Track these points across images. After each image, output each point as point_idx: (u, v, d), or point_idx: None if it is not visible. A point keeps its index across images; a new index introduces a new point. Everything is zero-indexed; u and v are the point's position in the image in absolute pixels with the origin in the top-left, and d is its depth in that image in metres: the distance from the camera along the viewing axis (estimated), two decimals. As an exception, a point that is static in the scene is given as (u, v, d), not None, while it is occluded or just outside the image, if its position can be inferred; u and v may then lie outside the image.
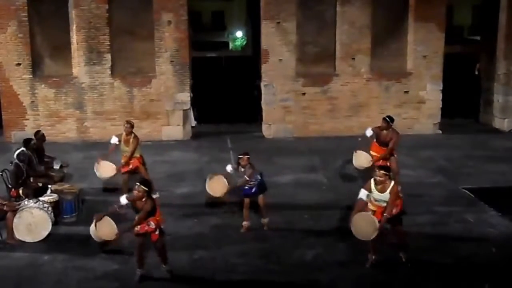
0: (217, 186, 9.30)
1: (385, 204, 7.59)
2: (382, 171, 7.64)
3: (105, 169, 10.48)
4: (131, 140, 10.42)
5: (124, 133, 10.53)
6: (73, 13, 15.03)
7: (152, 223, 7.33)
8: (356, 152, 10.76)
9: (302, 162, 13.14)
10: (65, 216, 9.54)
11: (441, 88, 16.05)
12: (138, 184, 7.31)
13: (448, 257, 8.13)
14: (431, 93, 16.06)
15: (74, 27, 15.10)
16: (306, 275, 7.73)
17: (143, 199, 7.26)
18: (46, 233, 8.78)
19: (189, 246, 8.50)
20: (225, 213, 9.92)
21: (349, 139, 15.17)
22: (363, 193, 7.67)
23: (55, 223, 9.04)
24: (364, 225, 7.53)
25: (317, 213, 9.89)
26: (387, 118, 10.66)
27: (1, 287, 7.49)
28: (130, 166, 10.40)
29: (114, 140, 10.56)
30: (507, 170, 12.42)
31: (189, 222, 9.48)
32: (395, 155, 10.63)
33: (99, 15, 15.02)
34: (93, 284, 7.51)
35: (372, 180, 7.71)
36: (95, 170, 10.56)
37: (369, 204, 7.74)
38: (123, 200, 7.39)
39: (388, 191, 7.57)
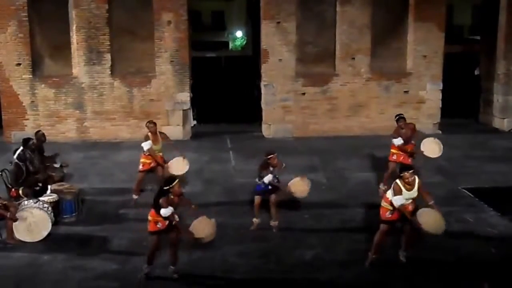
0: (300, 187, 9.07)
1: (410, 201, 7.63)
2: (409, 172, 7.59)
3: (177, 167, 10.17)
4: (159, 138, 10.35)
5: (150, 134, 10.31)
6: (73, 13, 15.04)
7: (177, 216, 7.37)
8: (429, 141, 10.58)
9: (302, 162, 13.12)
10: (65, 216, 9.55)
11: (441, 88, 16.06)
12: (174, 184, 7.25)
13: (448, 257, 8.15)
14: (431, 93, 16.06)
15: (74, 27, 15.11)
16: (306, 274, 7.73)
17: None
18: (46, 233, 8.79)
19: (188, 245, 8.48)
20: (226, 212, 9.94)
21: (348, 139, 15.28)
22: (400, 199, 7.54)
23: (55, 223, 9.05)
24: (433, 221, 7.51)
25: (317, 213, 9.90)
26: (402, 115, 10.60)
27: (1, 287, 7.49)
28: (152, 165, 10.20)
29: (147, 145, 10.19)
30: (507, 170, 12.42)
31: (188, 222, 9.44)
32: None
33: (99, 15, 15.03)
34: (93, 284, 7.51)
35: (399, 182, 7.61)
36: (171, 170, 10.11)
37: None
38: (168, 211, 7.22)
39: (416, 187, 7.62)
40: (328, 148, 14.45)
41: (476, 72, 18.21)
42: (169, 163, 10.29)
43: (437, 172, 12.32)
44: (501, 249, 8.44)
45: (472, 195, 10.84)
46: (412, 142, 10.52)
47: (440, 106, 16.13)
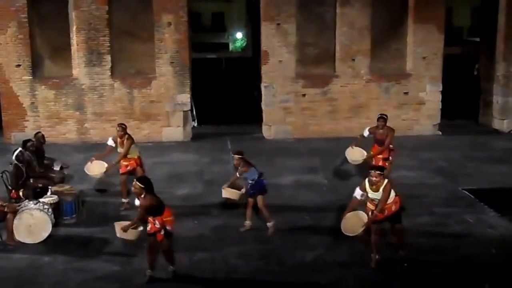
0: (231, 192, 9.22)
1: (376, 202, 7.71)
2: (377, 172, 7.71)
3: (95, 168, 10.49)
4: (124, 142, 10.36)
5: (117, 137, 10.44)
6: (73, 15, 15.05)
7: (157, 222, 7.34)
8: (352, 147, 10.80)
9: (302, 163, 13.15)
10: (65, 218, 9.54)
11: (441, 89, 16.08)
12: (135, 181, 7.39)
13: (448, 258, 8.15)
14: (431, 94, 16.08)
15: (74, 29, 15.11)
16: (307, 276, 7.74)
17: (142, 196, 7.28)
18: (46, 234, 8.77)
19: (189, 247, 8.50)
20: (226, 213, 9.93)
21: (349, 140, 15.22)
22: (357, 193, 7.85)
23: (55, 225, 9.03)
24: (355, 222, 7.73)
25: (318, 214, 9.91)
26: (384, 116, 10.68)
27: (2, 288, 7.51)
28: (128, 168, 10.29)
29: (110, 142, 10.55)
30: (507, 171, 12.44)
31: (189, 223, 9.48)
32: (391, 158, 10.60)
33: (99, 16, 15.03)
34: (93, 285, 7.51)
35: (367, 180, 7.78)
36: (85, 169, 10.52)
37: (368, 203, 7.85)
38: (138, 202, 7.44)
39: (381, 189, 7.65)
40: (328, 149, 14.45)
41: (475, 72, 18.24)
42: (93, 162, 10.53)
43: (437, 173, 12.34)
44: (502, 250, 8.44)
45: (472, 196, 10.84)
46: (387, 143, 10.44)
47: (440, 107, 16.15)
